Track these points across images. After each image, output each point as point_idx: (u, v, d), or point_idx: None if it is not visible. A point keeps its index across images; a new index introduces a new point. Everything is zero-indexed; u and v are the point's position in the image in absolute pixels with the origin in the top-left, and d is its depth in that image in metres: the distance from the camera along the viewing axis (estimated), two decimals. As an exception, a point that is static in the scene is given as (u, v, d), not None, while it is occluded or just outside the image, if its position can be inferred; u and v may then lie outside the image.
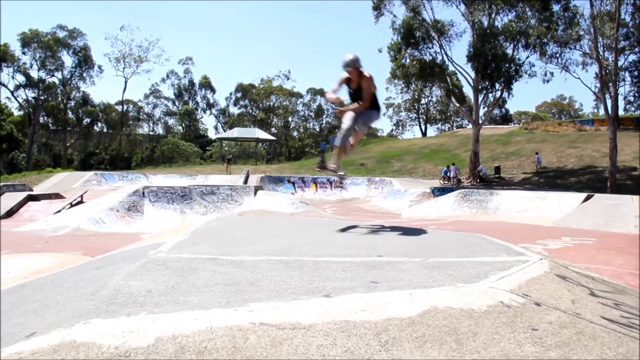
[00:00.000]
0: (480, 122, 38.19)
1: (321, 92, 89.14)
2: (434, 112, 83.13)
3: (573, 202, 20.43)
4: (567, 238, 14.34)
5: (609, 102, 31.76)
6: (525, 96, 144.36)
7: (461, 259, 4.33)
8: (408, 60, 36.69)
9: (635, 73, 44.81)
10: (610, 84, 31.76)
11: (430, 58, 36.38)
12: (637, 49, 44.32)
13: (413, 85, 41.21)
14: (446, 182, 35.10)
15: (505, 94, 37.44)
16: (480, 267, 3.97)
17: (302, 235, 6.31)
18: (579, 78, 35.70)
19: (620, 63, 46.32)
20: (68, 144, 72.96)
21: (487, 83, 35.69)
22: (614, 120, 31.77)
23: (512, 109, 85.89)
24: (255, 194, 22.58)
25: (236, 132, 62.71)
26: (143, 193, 19.22)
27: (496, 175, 37.31)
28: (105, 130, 78.94)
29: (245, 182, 34.43)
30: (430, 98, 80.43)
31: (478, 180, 36.09)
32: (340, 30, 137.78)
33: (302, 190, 37.70)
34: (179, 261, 4.34)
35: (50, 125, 72.45)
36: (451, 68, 37.80)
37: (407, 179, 37.46)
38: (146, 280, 3.62)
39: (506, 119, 79.84)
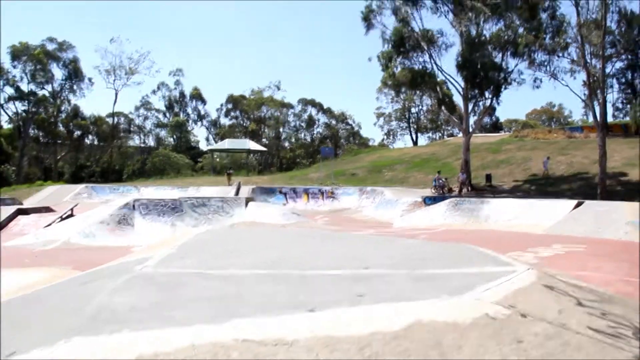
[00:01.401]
0: (470, 130, 38.32)
1: (312, 103, 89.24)
2: (425, 121, 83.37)
3: (564, 209, 20.43)
4: (558, 245, 14.33)
5: (597, 109, 31.96)
6: (515, 104, 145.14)
7: (448, 271, 4.33)
8: (399, 69, 36.84)
9: (623, 80, 45.19)
10: (599, 91, 31.95)
11: (421, 67, 36.56)
12: (623, 57, 44.86)
13: (403, 94, 41.22)
14: (438, 191, 35.09)
15: (494, 102, 37.54)
16: (467, 279, 3.96)
17: (292, 247, 6.29)
18: (567, 86, 35.67)
19: (607, 70, 46.95)
20: (59, 157, 72.55)
21: (477, 91, 35.82)
22: (603, 127, 31.94)
23: (502, 117, 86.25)
24: (246, 205, 22.52)
25: (227, 144, 62.57)
26: (133, 206, 19.14)
27: (487, 184, 37.36)
28: (96, 142, 78.48)
29: (237, 193, 34.33)
30: (420, 107, 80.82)
31: (469, 189, 36.16)
32: (330, 40, 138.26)
33: (293, 200, 37.53)
34: (165, 276, 4.31)
35: (41, 138, 71.98)
36: (441, 77, 37.94)
37: (398, 188, 37.39)
38: (131, 297, 3.60)
39: (496, 127, 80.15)
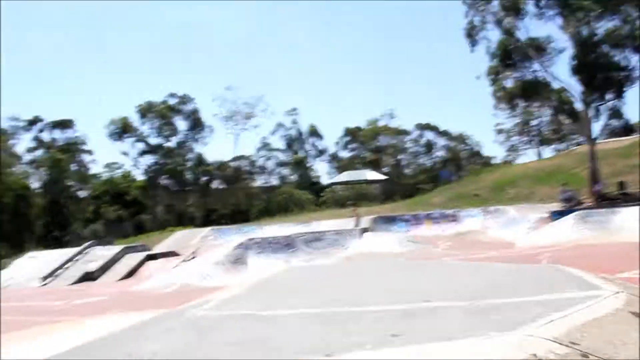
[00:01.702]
0: (594, 136, 35.68)
1: (428, 127, 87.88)
2: (548, 132, 78.72)
3: None
4: None
5: None
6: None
7: (518, 299, 3.74)
8: (509, 83, 35.27)
9: None
10: None
11: (532, 77, 34.72)
12: None
13: (519, 108, 38.87)
14: (566, 204, 32.75)
15: (618, 104, 34.78)
16: (534, 309, 3.36)
17: (368, 281, 5.91)
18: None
19: None
20: (188, 203, 76.80)
21: (597, 95, 33.25)
22: None
23: (634, 117, 79.53)
24: (363, 236, 22.27)
25: (346, 176, 62.88)
26: (248, 245, 19.54)
27: (620, 192, 34.22)
28: (222, 186, 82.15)
29: (357, 225, 34.12)
30: (541, 118, 76.50)
31: (601, 199, 33.44)
32: (438, 61, 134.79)
33: (416, 227, 36.50)
34: (211, 319, 4.15)
35: (171, 187, 76.66)
36: (557, 84, 35.73)
37: (524, 206, 35.34)
38: (160, 343, 3.45)
39: (628, 129, 73.86)
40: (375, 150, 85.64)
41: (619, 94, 33.53)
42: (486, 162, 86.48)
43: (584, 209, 27.15)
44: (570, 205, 32.18)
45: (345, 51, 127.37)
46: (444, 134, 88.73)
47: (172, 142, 74.30)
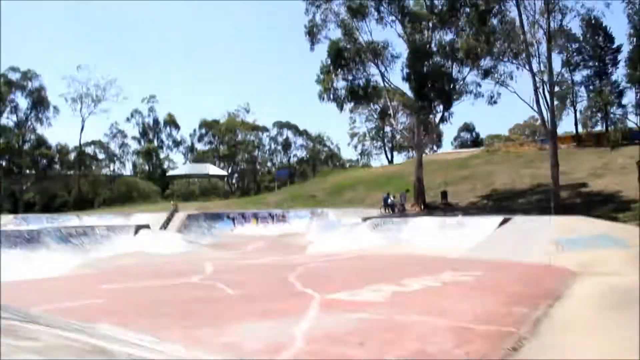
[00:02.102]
0: (421, 145, 35.85)
1: (287, 125, 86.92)
2: (401, 139, 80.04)
3: (488, 228, 18.03)
4: (450, 274, 12.05)
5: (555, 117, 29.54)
6: (498, 119, 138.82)
7: None
8: (341, 83, 34.31)
9: (591, 88, 42.84)
10: (547, 97, 29.17)
11: (364, 80, 34.07)
12: (590, 64, 42.63)
13: (347, 107, 37.54)
14: (387, 210, 32.58)
15: (447, 115, 34.93)
16: None
17: None
18: (515, 92, 31.90)
19: (576, 78, 44.78)
20: (24, 187, 70.30)
21: (425, 103, 33.07)
22: (553, 136, 29.64)
23: (484, 132, 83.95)
24: (138, 233, 20.12)
25: (187, 169, 60.20)
26: (-17, 239, 16.73)
27: (442, 201, 34.63)
28: (66, 172, 76.11)
29: (169, 219, 32.03)
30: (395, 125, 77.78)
31: (422, 207, 33.68)
32: (302, 59, 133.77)
33: (241, 225, 35.23)
34: None
35: (5, 167, 69.61)
36: (389, 89, 35.23)
37: (348, 209, 34.76)
38: None
39: (477, 143, 77.33)
40: (232, 145, 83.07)
41: (447, 105, 33.67)
42: (343, 164, 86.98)
43: (391, 216, 26.83)
44: (392, 212, 32.08)
45: (208, 44, 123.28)
46: (303, 133, 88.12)
47: (10, 120, 67.67)
